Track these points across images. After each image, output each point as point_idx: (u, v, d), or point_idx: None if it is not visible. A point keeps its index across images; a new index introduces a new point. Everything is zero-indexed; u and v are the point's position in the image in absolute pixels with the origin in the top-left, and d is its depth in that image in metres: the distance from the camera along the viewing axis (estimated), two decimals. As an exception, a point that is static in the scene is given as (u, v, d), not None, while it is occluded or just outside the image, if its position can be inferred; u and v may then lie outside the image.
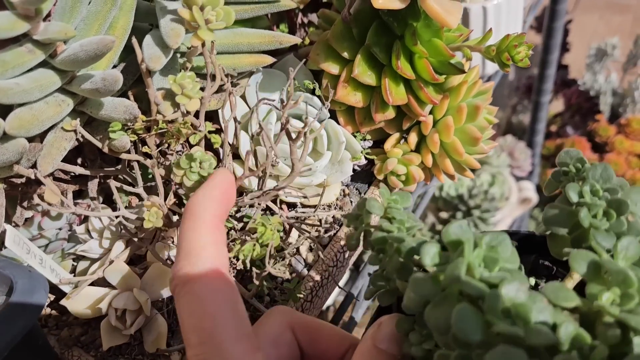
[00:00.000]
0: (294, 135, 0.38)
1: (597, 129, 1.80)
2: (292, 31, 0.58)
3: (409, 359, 0.27)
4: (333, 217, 0.50)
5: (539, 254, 0.34)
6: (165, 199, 0.39)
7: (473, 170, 0.51)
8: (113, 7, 0.36)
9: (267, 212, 0.47)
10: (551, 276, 0.33)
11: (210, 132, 0.39)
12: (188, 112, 0.39)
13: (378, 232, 0.31)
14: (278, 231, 0.39)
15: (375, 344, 0.26)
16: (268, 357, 0.27)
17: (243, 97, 0.49)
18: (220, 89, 0.45)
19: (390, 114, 0.48)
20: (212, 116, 0.44)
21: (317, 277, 0.45)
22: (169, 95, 0.37)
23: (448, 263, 0.24)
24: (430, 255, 0.25)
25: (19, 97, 0.32)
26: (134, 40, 0.35)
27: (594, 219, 0.28)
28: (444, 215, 1.29)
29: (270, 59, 0.44)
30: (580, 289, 0.26)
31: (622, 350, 0.21)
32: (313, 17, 0.61)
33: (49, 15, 0.34)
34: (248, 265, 0.40)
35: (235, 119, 0.41)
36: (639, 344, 0.21)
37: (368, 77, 0.45)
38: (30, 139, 0.35)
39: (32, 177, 0.36)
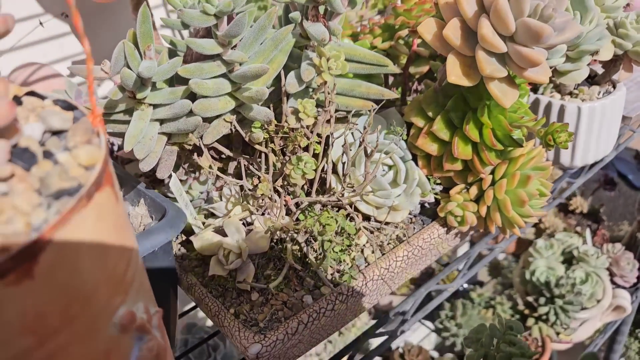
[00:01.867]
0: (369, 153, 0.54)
1: None
2: (404, 91, 0.74)
3: None
4: (397, 235, 0.64)
5: None
6: (275, 182, 0.56)
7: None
8: (275, 49, 0.54)
9: (348, 215, 0.62)
10: None
11: (316, 142, 0.55)
12: (307, 126, 0.56)
13: (502, 353, 0.41)
14: (336, 221, 0.54)
15: None
16: None
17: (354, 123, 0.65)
18: (337, 121, 0.63)
19: (458, 166, 0.61)
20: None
21: (370, 273, 0.59)
22: (296, 112, 0.55)
23: None
24: None
25: (204, 91, 0.52)
26: (282, 73, 0.53)
27: None
28: (529, 299, 1.34)
29: (374, 105, 0.60)
30: None
31: None
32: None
33: (235, 45, 0.53)
34: (322, 245, 0.55)
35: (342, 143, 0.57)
36: None
37: (443, 133, 0.60)
38: (203, 120, 0.54)
39: (198, 144, 0.55)
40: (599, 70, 0.88)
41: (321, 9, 0.56)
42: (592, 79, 0.87)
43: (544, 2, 0.49)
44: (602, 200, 2.08)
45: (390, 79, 0.77)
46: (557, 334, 1.35)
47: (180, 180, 0.64)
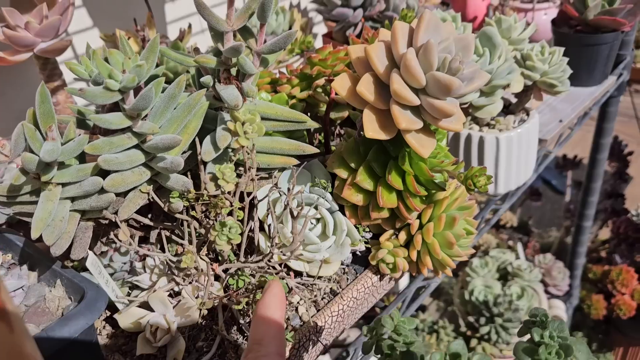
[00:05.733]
0: (295, 214, 0.53)
1: (645, 261, 1.82)
2: (327, 138, 0.74)
3: None
4: (330, 289, 0.62)
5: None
6: (199, 251, 0.54)
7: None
8: (188, 114, 0.53)
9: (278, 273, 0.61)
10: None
11: (239, 208, 0.54)
12: (228, 192, 0.54)
13: (388, 340, 0.43)
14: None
15: None
16: None
17: (276, 185, 0.64)
18: (261, 178, 0.61)
19: (384, 214, 0.61)
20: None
21: (306, 333, 0.58)
22: (215, 178, 0.53)
23: None
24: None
25: (116, 166, 0.49)
26: (197, 140, 0.51)
27: (549, 355, 0.41)
28: (470, 319, 1.36)
29: (295, 161, 0.60)
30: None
31: None
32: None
33: (146, 115, 0.51)
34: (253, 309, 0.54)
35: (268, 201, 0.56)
36: None
37: (367, 184, 0.59)
38: (117, 194, 0.52)
39: (113, 220, 0.52)
40: (513, 99, 0.91)
41: (233, 70, 0.54)
42: (507, 108, 0.90)
43: (451, 55, 0.50)
44: (530, 211, 2.16)
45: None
46: (501, 350, 1.37)
47: (101, 252, 0.61)
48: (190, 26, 1.00)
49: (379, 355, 0.44)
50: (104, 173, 0.51)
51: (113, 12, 1.05)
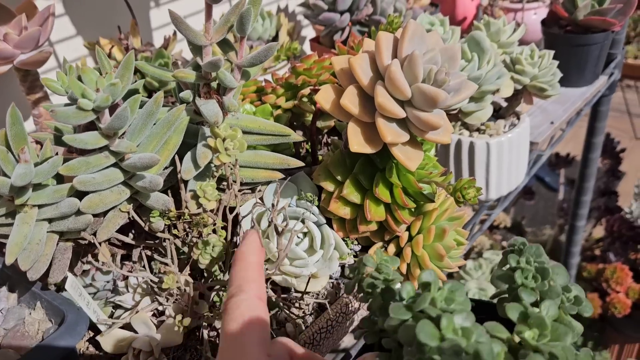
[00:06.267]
0: (280, 230, 0.51)
1: (640, 259, 1.81)
2: (314, 148, 0.73)
3: None
4: (319, 304, 0.61)
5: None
6: (183, 268, 0.53)
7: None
8: (168, 130, 0.51)
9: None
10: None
11: (222, 227, 0.52)
12: (211, 210, 0.53)
13: (369, 279, 0.42)
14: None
15: None
16: None
17: (262, 199, 0.63)
18: (244, 192, 0.60)
19: (373, 227, 0.60)
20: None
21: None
22: (196, 196, 0.51)
23: (419, 297, 0.34)
24: (407, 290, 0.35)
25: (93, 187, 0.48)
26: (176, 158, 0.50)
27: (525, 279, 0.39)
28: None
29: (280, 175, 0.58)
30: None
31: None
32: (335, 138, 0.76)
33: (124, 133, 0.49)
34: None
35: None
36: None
37: (354, 197, 0.58)
38: (95, 215, 0.50)
39: (92, 241, 0.50)
40: (503, 102, 0.90)
41: (214, 84, 0.53)
42: (497, 112, 0.89)
43: (437, 66, 0.48)
44: (523, 210, 2.15)
45: (299, 133, 0.75)
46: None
47: (83, 271, 0.59)
48: (175, 33, 0.98)
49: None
50: (82, 193, 0.50)
51: (97, 19, 1.03)
